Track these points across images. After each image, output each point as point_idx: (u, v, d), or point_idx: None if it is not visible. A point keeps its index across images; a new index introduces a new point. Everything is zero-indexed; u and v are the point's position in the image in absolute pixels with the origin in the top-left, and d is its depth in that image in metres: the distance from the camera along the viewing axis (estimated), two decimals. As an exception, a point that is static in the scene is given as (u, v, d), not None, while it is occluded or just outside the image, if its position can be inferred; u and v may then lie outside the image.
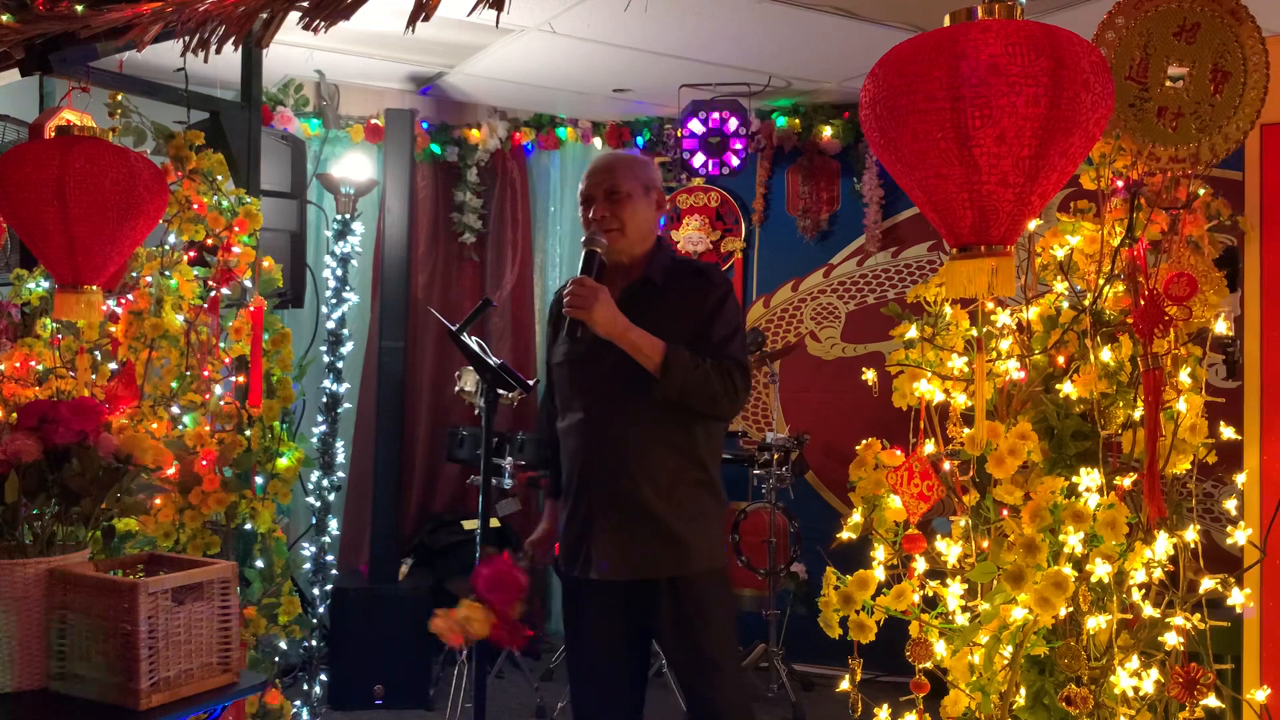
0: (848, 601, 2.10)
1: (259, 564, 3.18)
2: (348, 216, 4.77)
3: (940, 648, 2.06)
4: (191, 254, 3.14)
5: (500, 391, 3.47)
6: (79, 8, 2.60)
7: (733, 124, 5.15)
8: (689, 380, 2.48)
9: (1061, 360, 2.15)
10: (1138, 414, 2.06)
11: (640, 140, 5.80)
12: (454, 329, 3.40)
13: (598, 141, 5.82)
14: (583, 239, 2.58)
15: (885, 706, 2.20)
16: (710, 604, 2.57)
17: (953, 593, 2.10)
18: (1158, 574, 2.03)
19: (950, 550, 2.13)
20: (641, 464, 2.54)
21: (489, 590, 2.44)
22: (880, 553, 2.14)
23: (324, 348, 4.75)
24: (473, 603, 2.45)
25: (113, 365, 3.08)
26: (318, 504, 4.66)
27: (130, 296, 3.06)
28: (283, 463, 3.14)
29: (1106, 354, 2.08)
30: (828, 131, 5.34)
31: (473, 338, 3.42)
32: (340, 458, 4.81)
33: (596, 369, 2.56)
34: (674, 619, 2.56)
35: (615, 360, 2.51)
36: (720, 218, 5.66)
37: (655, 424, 2.55)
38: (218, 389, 3.13)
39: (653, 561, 2.55)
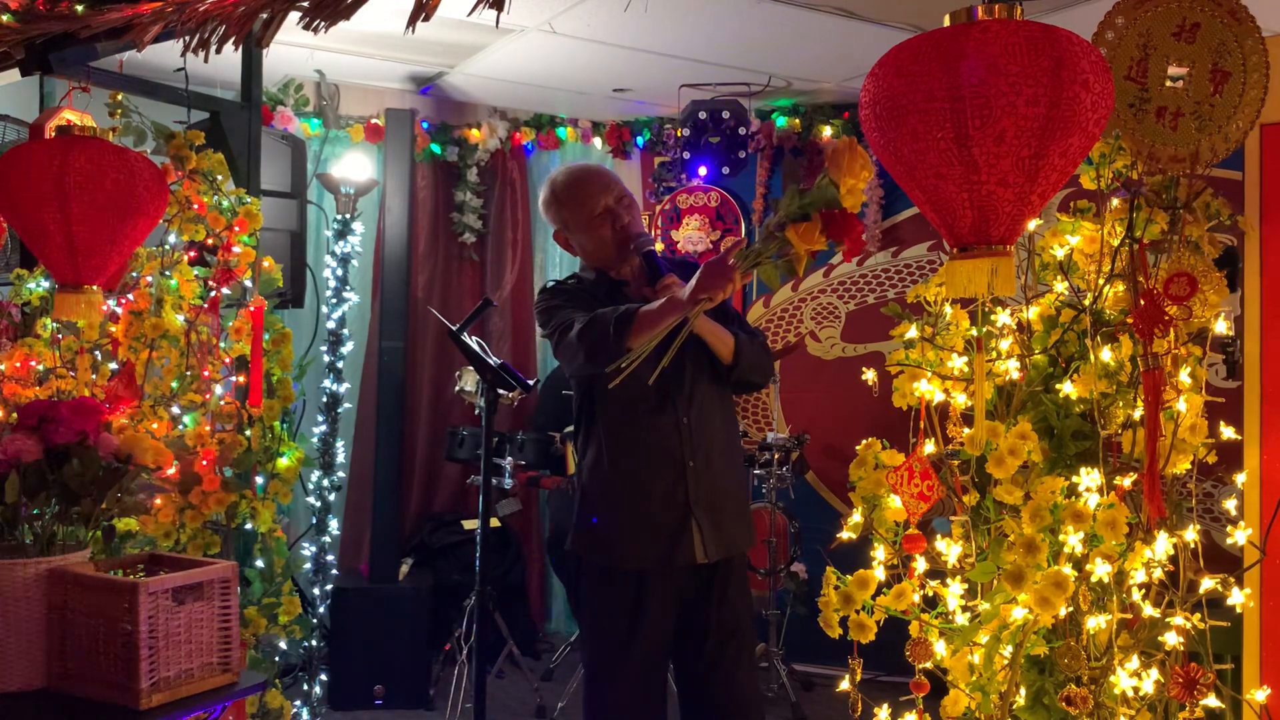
0: (848, 601, 2.10)
1: (259, 564, 3.18)
2: (348, 216, 4.77)
3: (940, 648, 2.07)
4: (191, 254, 3.14)
5: (500, 391, 3.47)
6: (79, 8, 2.60)
7: (732, 124, 5.15)
8: (753, 356, 2.69)
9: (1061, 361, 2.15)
10: (1138, 414, 2.06)
11: (640, 140, 5.80)
12: (454, 329, 3.40)
13: (598, 141, 5.82)
14: (633, 246, 2.66)
15: (885, 706, 2.21)
16: (747, 584, 2.78)
17: (953, 593, 2.10)
18: (1158, 574, 2.03)
19: (950, 550, 2.13)
20: (724, 447, 2.71)
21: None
22: (880, 553, 2.14)
23: (324, 348, 4.75)
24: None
25: (113, 365, 3.08)
26: (318, 504, 4.66)
27: (130, 296, 3.06)
28: (283, 463, 3.14)
29: (1106, 354, 2.08)
30: (828, 131, 5.34)
31: (473, 338, 3.42)
32: (340, 458, 4.81)
33: (676, 362, 2.59)
34: (729, 596, 2.68)
35: (686, 352, 2.58)
36: (720, 217, 5.66)
37: (724, 408, 2.74)
38: (218, 389, 3.13)
39: (737, 538, 2.70)
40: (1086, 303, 2.12)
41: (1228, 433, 2.22)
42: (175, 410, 3.06)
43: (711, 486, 2.66)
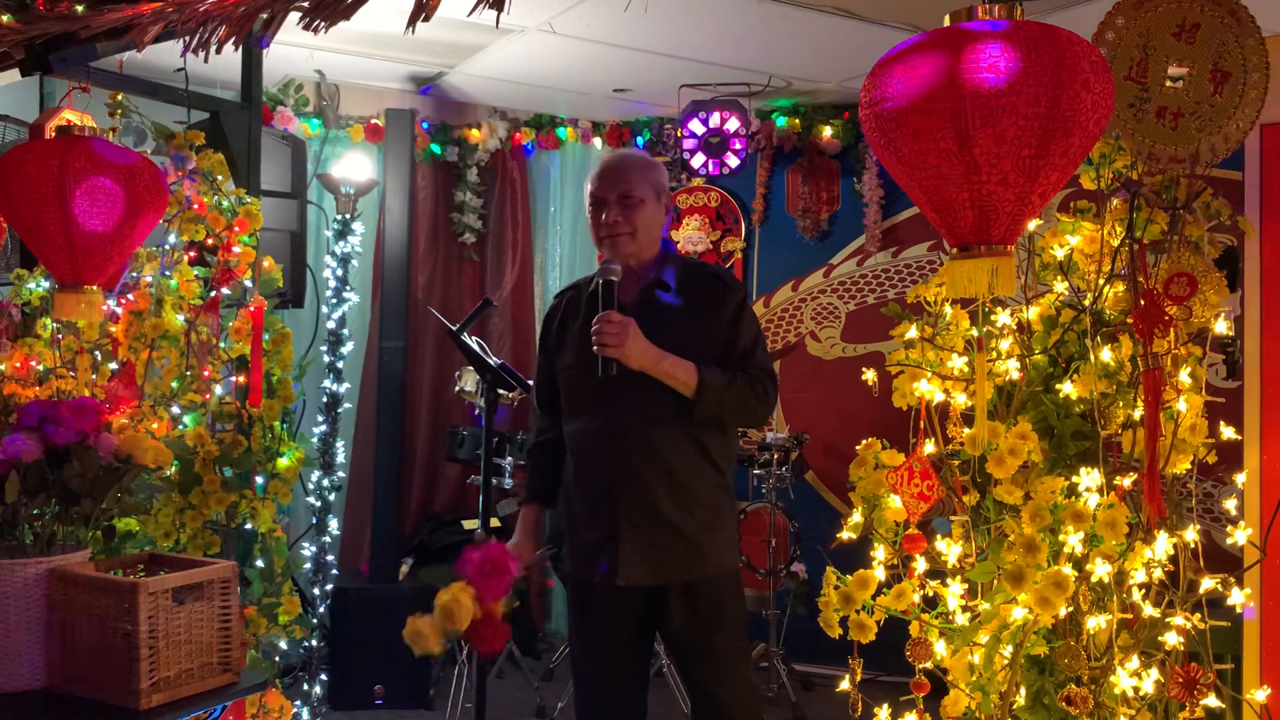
0: (848, 601, 2.10)
1: (259, 564, 3.18)
2: (348, 216, 4.77)
3: (940, 648, 2.07)
4: (191, 254, 3.14)
5: (500, 391, 3.48)
6: (79, 8, 2.60)
7: (733, 124, 5.15)
8: (724, 399, 2.50)
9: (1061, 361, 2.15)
10: (1138, 414, 2.06)
11: (640, 140, 5.80)
12: (454, 329, 3.40)
13: (598, 141, 5.82)
14: (599, 267, 2.52)
15: (885, 706, 2.21)
16: (724, 605, 2.59)
17: (953, 593, 2.10)
18: (1158, 574, 2.03)
19: (950, 550, 2.13)
20: (665, 470, 2.53)
21: (477, 577, 2.28)
22: (880, 553, 2.15)
23: (324, 348, 4.75)
24: (457, 588, 2.27)
25: (113, 365, 3.08)
26: (318, 504, 4.66)
27: (130, 296, 3.06)
28: (283, 463, 3.14)
29: (1106, 354, 2.08)
30: (828, 131, 5.34)
31: (473, 338, 3.42)
32: (340, 458, 4.80)
33: (617, 378, 2.50)
34: (688, 621, 2.56)
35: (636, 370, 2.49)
36: (720, 218, 5.66)
37: (677, 429, 2.54)
38: (218, 389, 3.13)
39: (674, 566, 2.54)
40: (1086, 303, 2.12)
41: (1228, 433, 2.22)
42: (175, 410, 3.06)
43: (648, 510, 2.51)
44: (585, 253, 5.88)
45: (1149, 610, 2.04)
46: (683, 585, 2.56)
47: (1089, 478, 1.99)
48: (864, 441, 2.22)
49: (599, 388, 2.52)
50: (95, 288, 2.56)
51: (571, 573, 2.66)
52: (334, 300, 4.75)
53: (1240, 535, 2.11)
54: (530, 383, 3.30)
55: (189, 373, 3.07)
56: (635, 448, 2.52)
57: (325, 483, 4.67)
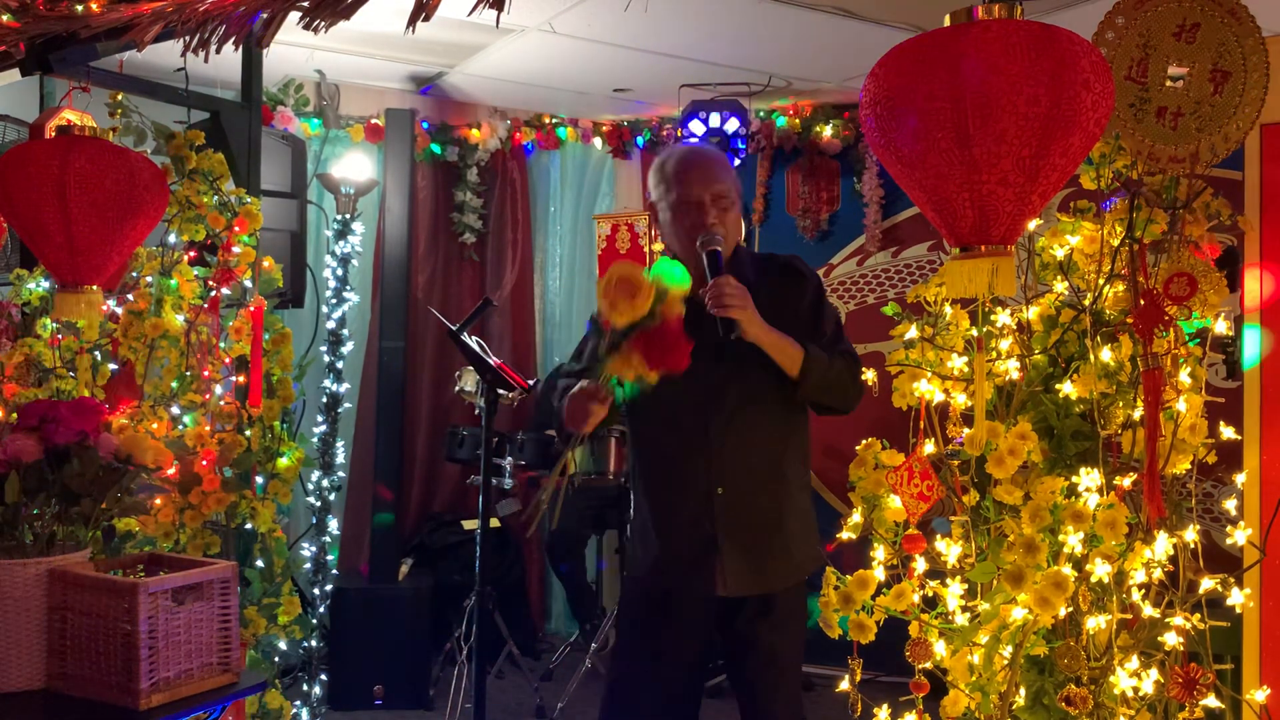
0: (848, 601, 2.10)
1: (259, 564, 3.18)
2: (348, 216, 4.77)
3: (940, 648, 2.07)
4: (191, 254, 3.14)
5: (500, 391, 3.48)
6: (79, 8, 2.60)
7: (733, 124, 5.15)
8: (827, 378, 2.45)
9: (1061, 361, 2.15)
10: (1138, 414, 2.06)
11: (640, 140, 5.80)
12: (454, 329, 3.41)
13: (598, 141, 5.82)
14: (699, 240, 2.44)
15: (885, 706, 2.21)
16: (797, 614, 2.56)
17: (953, 593, 2.10)
18: (1158, 574, 2.03)
19: (950, 550, 2.13)
20: (769, 475, 2.49)
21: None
22: (880, 553, 2.15)
23: (324, 348, 4.75)
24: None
25: (113, 365, 3.08)
26: (318, 504, 4.66)
27: (130, 296, 3.06)
28: (283, 463, 3.14)
29: (1106, 354, 2.08)
30: (828, 131, 5.34)
31: (473, 338, 3.43)
32: (340, 458, 4.81)
33: (715, 378, 2.44)
34: (764, 628, 2.50)
35: (731, 372, 2.43)
36: (720, 218, 5.66)
37: (779, 433, 2.51)
38: (218, 389, 3.13)
39: (777, 574, 2.49)
40: (1086, 303, 2.12)
41: (1228, 433, 2.22)
42: (175, 410, 3.06)
43: (745, 518, 2.46)
44: (585, 253, 5.88)
45: (1149, 610, 2.04)
46: (768, 594, 2.50)
47: (1089, 478, 1.99)
48: (864, 441, 2.22)
49: (698, 389, 2.42)
50: (95, 288, 2.56)
51: (657, 583, 2.55)
52: (334, 300, 4.75)
53: (1240, 535, 2.11)
54: (530, 383, 3.30)
55: (189, 373, 3.07)
56: (736, 452, 2.45)
57: (325, 483, 4.67)
